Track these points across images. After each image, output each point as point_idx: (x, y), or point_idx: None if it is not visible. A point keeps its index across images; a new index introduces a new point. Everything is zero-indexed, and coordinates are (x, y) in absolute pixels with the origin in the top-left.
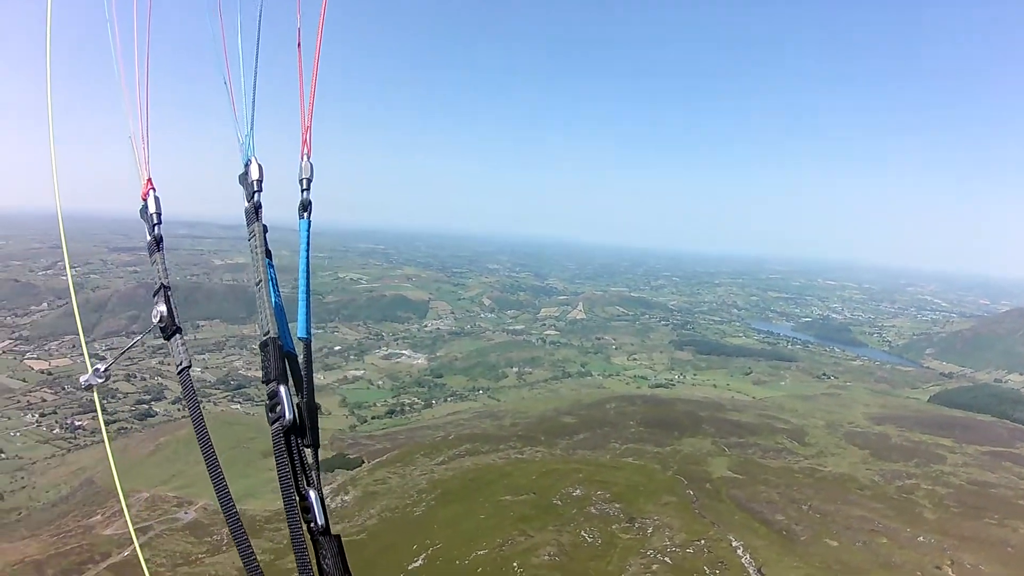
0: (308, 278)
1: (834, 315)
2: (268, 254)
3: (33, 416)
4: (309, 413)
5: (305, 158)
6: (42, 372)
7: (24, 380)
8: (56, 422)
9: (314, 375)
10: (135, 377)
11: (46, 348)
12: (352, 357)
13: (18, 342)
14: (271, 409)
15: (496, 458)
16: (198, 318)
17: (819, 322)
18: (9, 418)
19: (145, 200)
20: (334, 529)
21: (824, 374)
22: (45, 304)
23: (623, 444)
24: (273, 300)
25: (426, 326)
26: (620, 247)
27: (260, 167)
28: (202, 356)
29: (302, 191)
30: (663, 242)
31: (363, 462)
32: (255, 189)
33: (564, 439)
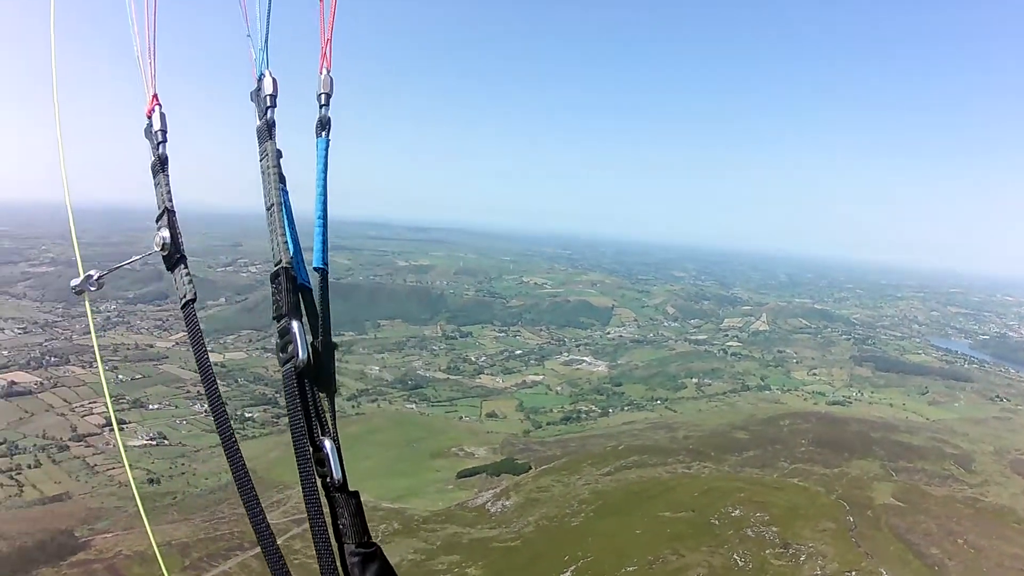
0: (325, 203)
1: (1011, 333)
2: (282, 179)
3: (202, 406)
4: (325, 353)
5: (325, 72)
6: (215, 364)
7: (196, 371)
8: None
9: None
10: None
11: (221, 341)
12: (533, 362)
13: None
14: (282, 348)
15: (663, 471)
16: (380, 318)
17: (996, 340)
18: (177, 407)
19: (150, 117)
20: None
21: (997, 396)
22: (223, 299)
23: (791, 463)
24: (287, 229)
25: (609, 333)
26: (803, 257)
27: (275, 81)
28: (381, 355)
29: (320, 107)
30: (844, 253)
31: (530, 468)
32: (268, 104)
33: (733, 455)
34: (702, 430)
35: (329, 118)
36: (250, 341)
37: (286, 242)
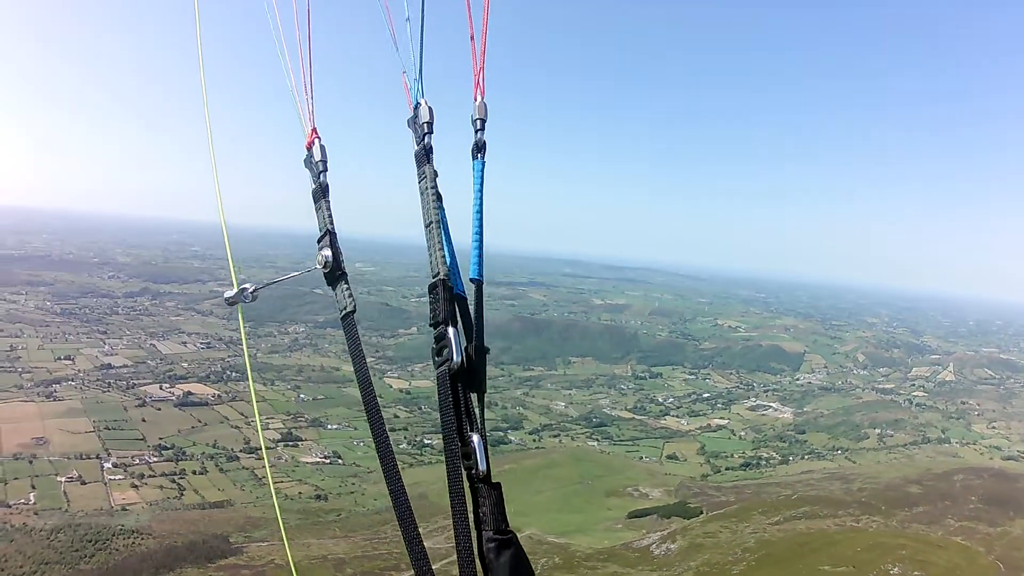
0: (482, 220)
1: None
2: (439, 197)
3: None
4: (478, 358)
5: (479, 98)
6: (400, 391)
7: (380, 396)
8: (405, 438)
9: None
10: (496, 405)
11: (408, 369)
12: (719, 405)
13: (381, 360)
14: (438, 352)
15: (831, 523)
16: (571, 354)
17: None
18: (356, 428)
19: (310, 149)
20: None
21: None
22: (415, 328)
23: (958, 520)
24: (445, 244)
25: (798, 379)
26: (992, 302)
27: (430, 109)
28: (569, 391)
29: (476, 131)
30: None
31: (701, 512)
32: (426, 131)
33: (903, 510)
34: (877, 483)
35: (484, 142)
36: None
37: (444, 256)
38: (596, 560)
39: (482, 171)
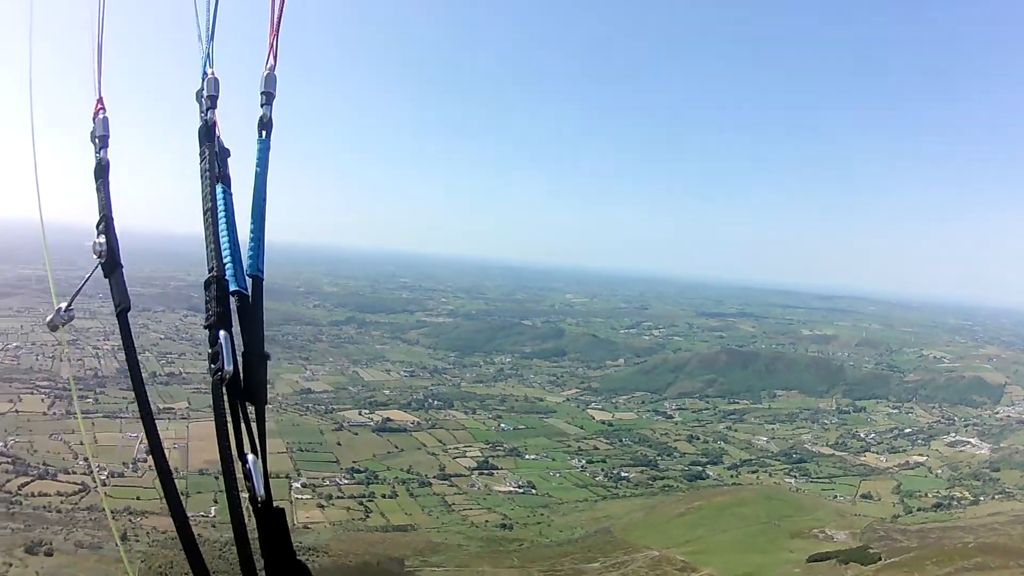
0: (263, 205)
1: None
2: (225, 179)
3: (579, 461)
4: (256, 365)
5: (269, 69)
6: (602, 423)
7: (582, 427)
8: (602, 470)
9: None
10: (698, 439)
11: (612, 401)
12: (920, 441)
13: (585, 392)
14: (212, 359)
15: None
16: (776, 387)
17: None
18: (554, 459)
19: (95, 120)
20: None
21: None
22: (622, 360)
23: None
24: (225, 234)
25: (997, 412)
26: None
27: (216, 80)
28: (772, 426)
29: (262, 105)
30: None
31: (879, 559)
32: (209, 105)
33: None
34: None
35: (271, 119)
36: (642, 403)
37: (222, 249)
38: None
39: (267, 151)
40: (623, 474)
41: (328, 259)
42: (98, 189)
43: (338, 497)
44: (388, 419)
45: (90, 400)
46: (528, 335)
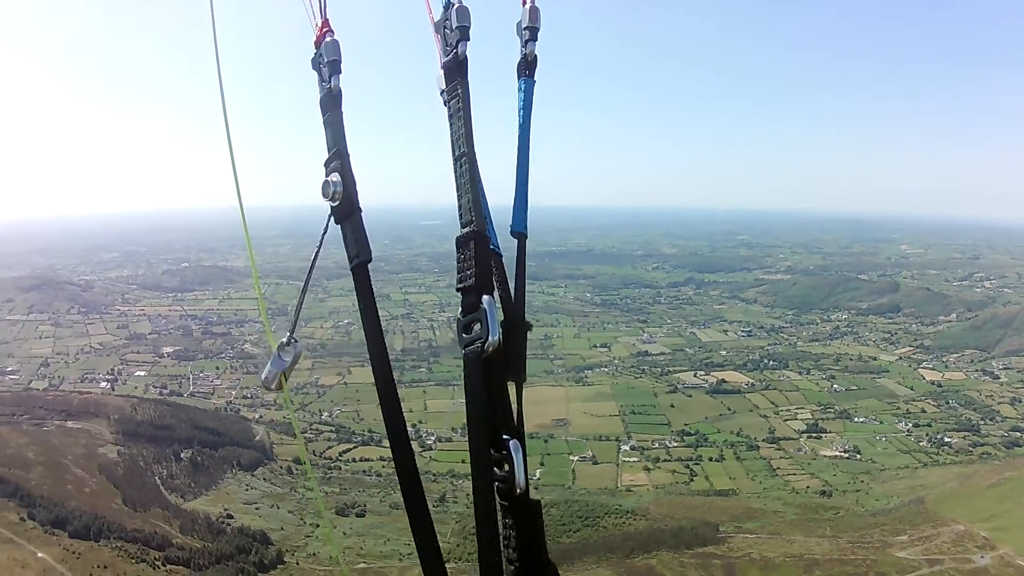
0: (527, 156)
1: None
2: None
3: (906, 425)
4: (517, 336)
5: (530, 2)
6: (932, 383)
7: (911, 388)
8: (926, 435)
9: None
10: (1020, 402)
11: (943, 360)
12: None
13: (918, 350)
14: (464, 328)
15: None
16: None
17: None
18: (882, 422)
19: (319, 46)
20: None
21: None
22: (954, 315)
23: None
24: (480, 188)
25: None
26: None
27: (467, 10)
28: None
29: (524, 42)
30: None
31: None
32: (459, 37)
33: None
34: None
35: (536, 56)
36: (971, 361)
37: (478, 201)
38: None
39: (532, 92)
40: (946, 439)
41: (666, 220)
42: (327, 122)
43: (665, 460)
44: (723, 380)
45: (423, 370)
46: (864, 290)
